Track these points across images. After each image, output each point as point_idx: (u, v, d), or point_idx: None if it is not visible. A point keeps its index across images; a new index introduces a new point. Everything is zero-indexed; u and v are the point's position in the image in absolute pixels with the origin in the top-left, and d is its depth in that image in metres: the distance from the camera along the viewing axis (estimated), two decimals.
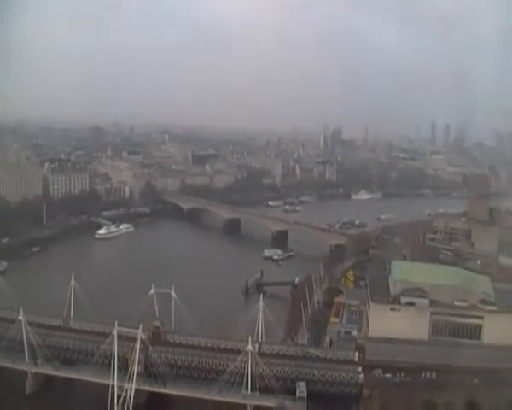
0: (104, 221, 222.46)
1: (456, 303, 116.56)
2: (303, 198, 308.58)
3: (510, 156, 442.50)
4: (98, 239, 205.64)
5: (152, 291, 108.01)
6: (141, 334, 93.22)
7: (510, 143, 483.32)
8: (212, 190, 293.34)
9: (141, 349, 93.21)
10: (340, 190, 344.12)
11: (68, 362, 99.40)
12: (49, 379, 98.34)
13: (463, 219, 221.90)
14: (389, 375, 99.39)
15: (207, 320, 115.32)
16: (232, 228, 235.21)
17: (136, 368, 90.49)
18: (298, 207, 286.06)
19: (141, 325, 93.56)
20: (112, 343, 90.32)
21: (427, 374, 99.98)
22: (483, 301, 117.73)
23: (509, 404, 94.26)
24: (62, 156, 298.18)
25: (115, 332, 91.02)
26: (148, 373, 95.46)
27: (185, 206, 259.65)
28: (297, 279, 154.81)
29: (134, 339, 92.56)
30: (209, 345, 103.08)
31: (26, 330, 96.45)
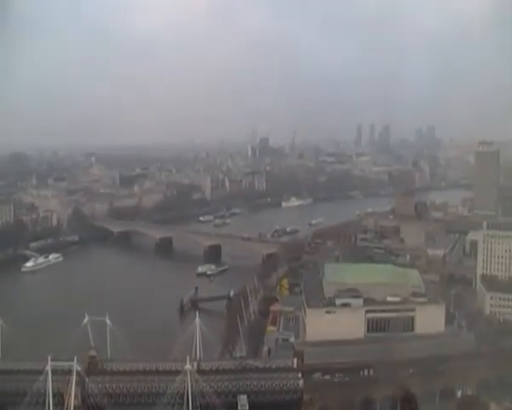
0: (31, 253, 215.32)
1: (389, 299, 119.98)
2: (234, 210, 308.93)
3: (430, 150, 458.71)
4: (25, 272, 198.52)
5: (86, 320, 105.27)
6: (76, 366, 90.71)
7: (429, 136, 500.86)
8: (142, 210, 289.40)
9: (77, 382, 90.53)
10: (271, 198, 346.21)
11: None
12: None
13: (391, 217, 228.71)
14: (328, 377, 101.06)
15: (144, 344, 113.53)
16: (164, 247, 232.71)
17: (72, 402, 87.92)
18: (228, 220, 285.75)
19: (75, 357, 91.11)
20: (45, 380, 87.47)
21: (365, 371, 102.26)
22: (414, 294, 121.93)
23: (444, 390, 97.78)
24: None
25: (49, 367, 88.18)
26: (86, 406, 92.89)
27: (115, 229, 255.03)
28: (232, 292, 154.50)
29: (69, 372, 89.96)
30: (147, 369, 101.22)
31: None
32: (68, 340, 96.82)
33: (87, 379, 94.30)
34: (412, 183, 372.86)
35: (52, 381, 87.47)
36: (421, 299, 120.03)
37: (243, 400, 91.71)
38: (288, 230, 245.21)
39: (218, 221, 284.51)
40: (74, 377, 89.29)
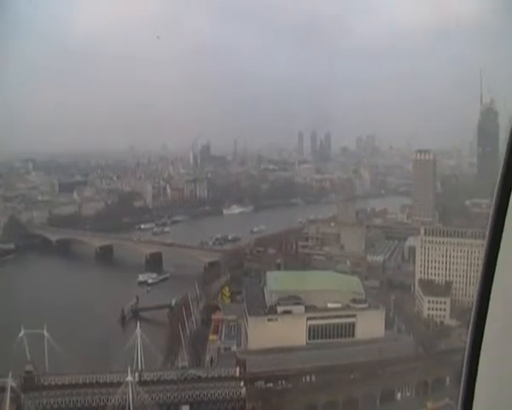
0: None
1: (330, 306, 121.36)
2: (175, 218, 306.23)
3: (370, 158, 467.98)
4: None
5: (22, 333, 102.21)
6: (11, 382, 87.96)
7: (369, 144, 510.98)
8: (82, 218, 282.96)
9: (12, 399, 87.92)
10: (212, 206, 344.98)
11: None
12: None
13: (332, 224, 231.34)
14: (271, 384, 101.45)
15: (84, 356, 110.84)
16: (105, 256, 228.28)
17: None
18: (166, 228, 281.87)
19: (10, 373, 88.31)
20: None
21: (307, 378, 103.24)
22: (354, 301, 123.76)
23: (384, 393, 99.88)
24: None
25: None
26: None
27: (53, 238, 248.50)
28: (173, 301, 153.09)
29: (3, 389, 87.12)
30: (87, 381, 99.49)
31: None
32: (2, 355, 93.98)
33: (23, 395, 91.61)
34: (353, 190, 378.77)
35: None
36: (362, 305, 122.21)
37: None
38: (229, 237, 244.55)
39: (158, 229, 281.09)
40: (9, 394, 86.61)
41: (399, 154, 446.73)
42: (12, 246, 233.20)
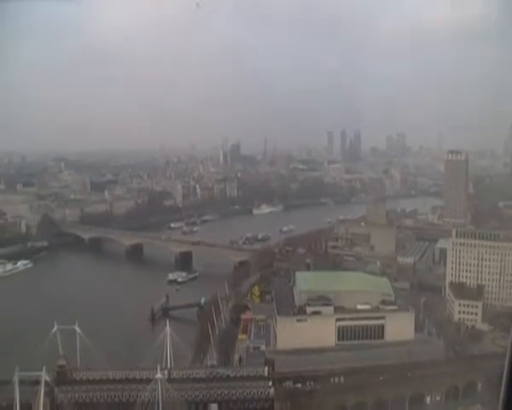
0: None
1: (359, 307, 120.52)
2: (205, 217, 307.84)
3: (401, 158, 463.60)
4: None
5: (55, 329, 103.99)
6: (45, 376, 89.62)
7: (399, 144, 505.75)
8: (113, 217, 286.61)
9: (46, 392, 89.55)
10: (242, 205, 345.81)
11: None
12: None
13: (362, 224, 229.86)
14: (299, 385, 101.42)
15: (115, 352, 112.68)
16: (135, 254, 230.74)
17: None
18: (195, 228, 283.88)
19: (44, 367, 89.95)
20: (13, 391, 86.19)
21: (336, 379, 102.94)
22: (384, 302, 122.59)
23: (413, 396, 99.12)
24: None
25: (16, 378, 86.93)
26: None
27: (86, 236, 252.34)
28: (203, 300, 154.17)
29: (37, 382, 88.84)
30: (117, 378, 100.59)
31: None
32: (37, 349, 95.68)
33: (56, 389, 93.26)
34: (383, 190, 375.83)
35: (19, 392, 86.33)
36: (391, 307, 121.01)
37: (214, 408, 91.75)
38: (259, 237, 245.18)
39: (188, 228, 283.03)
40: (43, 388, 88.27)
41: (430, 154, 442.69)
42: (45, 243, 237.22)
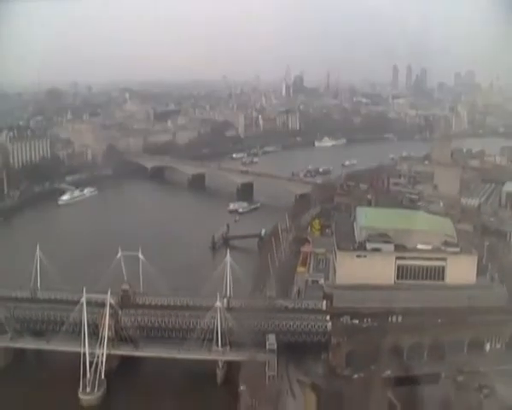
0: (67, 187, 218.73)
1: (420, 247, 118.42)
2: (267, 148, 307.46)
3: (469, 96, 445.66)
4: (62, 205, 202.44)
5: (119, 255, 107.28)
6: (110, 299, 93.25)
7: (468, 80, 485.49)
8: (176, 146, 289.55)
9: (110, 314, 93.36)
10: (304, 138, 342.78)
11: (38, 333, 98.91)
12: (19, 352, 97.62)
13: (426, 162, 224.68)
14: (357, 321, 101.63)
15: (176, 279, 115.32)
16: (197, 183, 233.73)
17: (106, 333, 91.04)
18: (255, 159, 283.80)
19: (109, 290, 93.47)
20: (81, 311, 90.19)
21: (394, 318, 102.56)
22: (446, 244, 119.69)
23: (472, 342, 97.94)
24: (20, 123, 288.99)
25: (84, 299, 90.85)
26: (119, 337, 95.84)
27: (148, 165, 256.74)
28: (263, 231, 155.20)
29: (103, 304, 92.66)
30: (178, 304, 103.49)
31: None
32: (102, 273, 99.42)
33: (120, 312, 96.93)
34: (449, 128, 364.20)
35: (87, 312, 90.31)
36: (454, 248, 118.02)
37: (272, 339, 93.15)
38: (320, 170, 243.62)
39: (248, 159, 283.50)
40: (108, 310, 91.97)
41: (501, 92, 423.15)
42: (110, 172, 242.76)
